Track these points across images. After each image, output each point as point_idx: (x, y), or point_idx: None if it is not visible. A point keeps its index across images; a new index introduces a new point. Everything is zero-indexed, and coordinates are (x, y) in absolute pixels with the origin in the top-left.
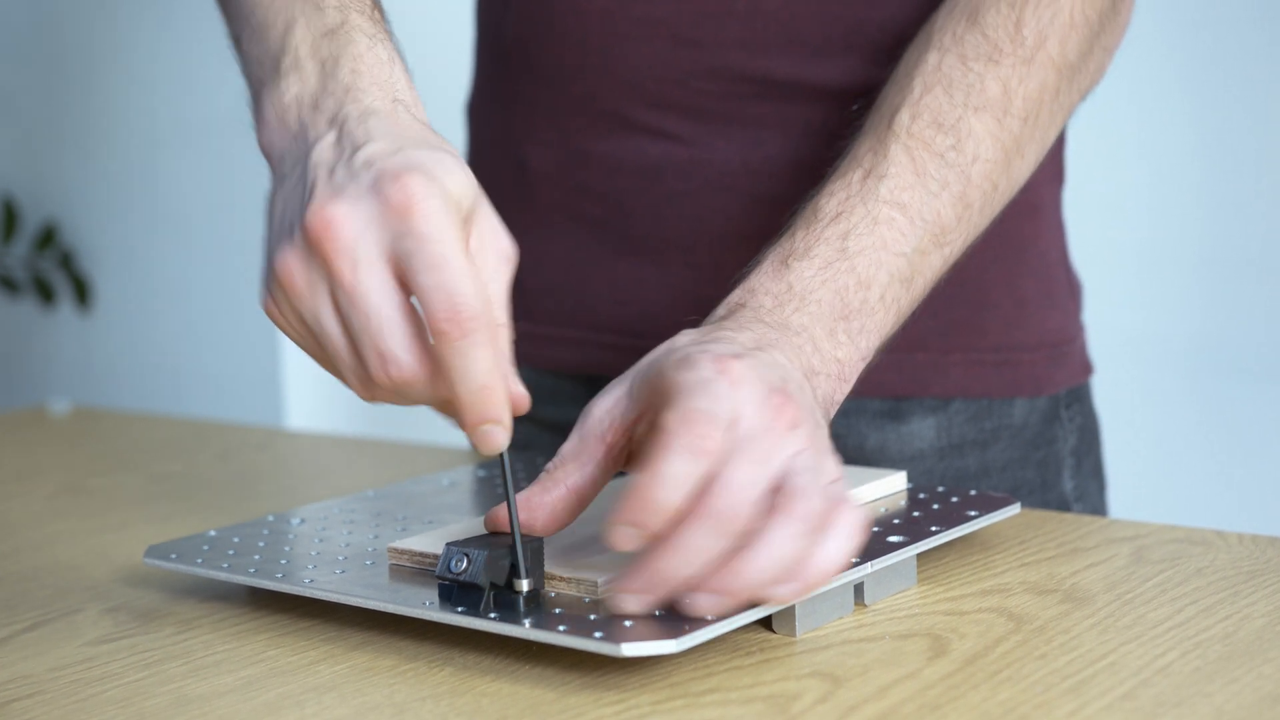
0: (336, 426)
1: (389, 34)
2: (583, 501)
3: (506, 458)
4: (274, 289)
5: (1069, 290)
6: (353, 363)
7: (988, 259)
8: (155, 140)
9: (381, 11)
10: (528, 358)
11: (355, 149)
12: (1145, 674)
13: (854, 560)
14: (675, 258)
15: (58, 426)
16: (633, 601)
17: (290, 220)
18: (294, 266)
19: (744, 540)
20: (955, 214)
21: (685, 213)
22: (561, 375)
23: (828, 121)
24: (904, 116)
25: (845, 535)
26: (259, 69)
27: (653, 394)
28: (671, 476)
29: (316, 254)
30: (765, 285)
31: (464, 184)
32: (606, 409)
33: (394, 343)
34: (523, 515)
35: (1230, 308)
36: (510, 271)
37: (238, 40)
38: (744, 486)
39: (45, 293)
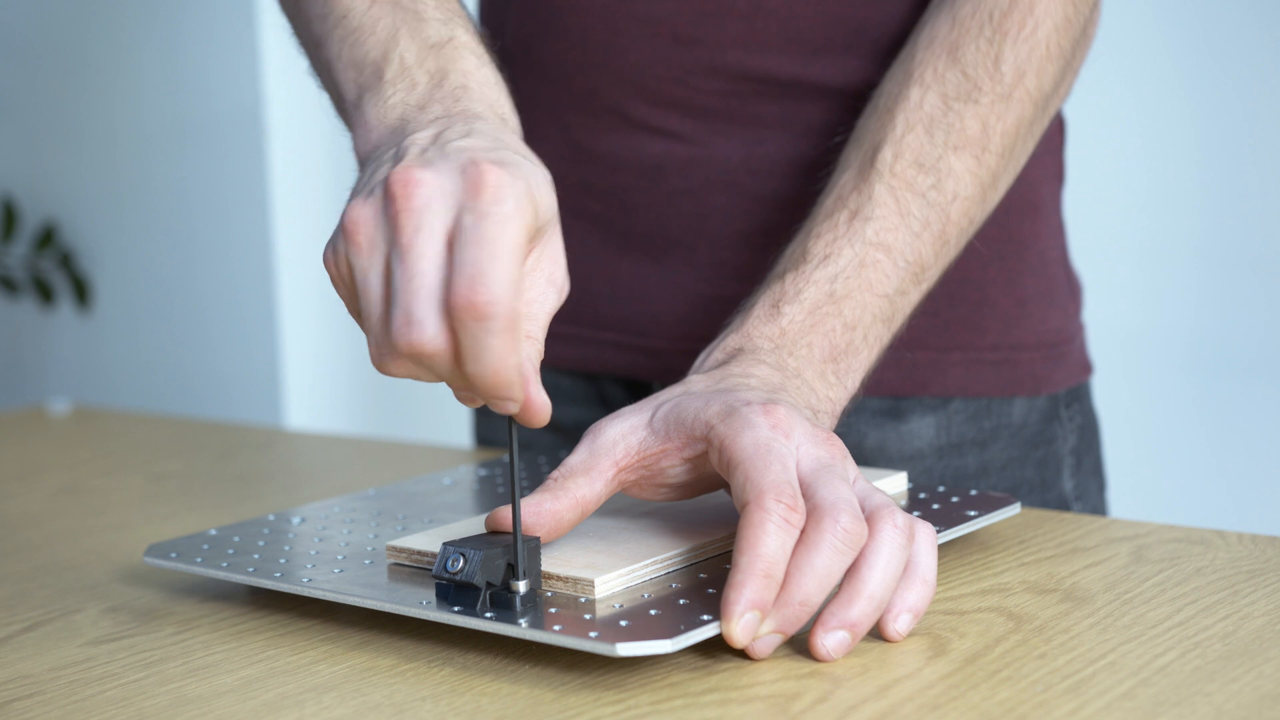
0: (336, 426)
1: (493, 60)
2: (584, 515)
3: (515, 459)
4: (338, 237)
5: (1068, 289)
6: (380, 324)
7: (987, 258)
8: (155, 140)
9: (480, 33)
10: None
11: (452, 139)
12: (1145, 673)
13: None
14: (676, 256)
15: (58, 426)
16: (765, 644)
17: (373, 181)
18: (363, 217)
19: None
20: (934, 251)
21: (686, 211)
22: (561, 372)
23: (828, 120)
24: (887, 155)
25: (930, 537)
26: (357, 74)
27: (689, 438)
28: (773, 551)
29: (389, 209)
30: (759, 329)
31: (547, 199)
32: (622, 433)
33: (425, 307)
34: (528, 519)
35: (1230, 307)
36: (557, 302)
37: (320, 41)
38: (849, 501)
39: (45, 293)
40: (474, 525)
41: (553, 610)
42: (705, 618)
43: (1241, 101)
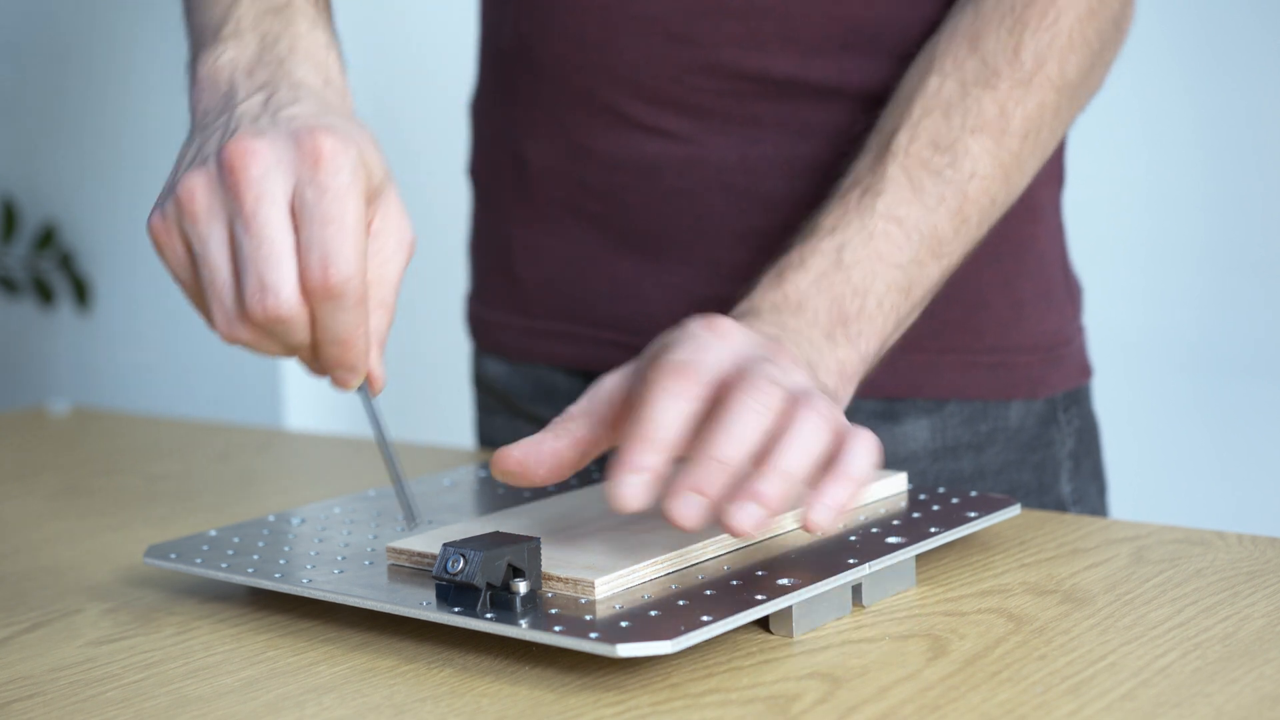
0: (336, 426)
1: (330, 23)
2: (584, 457)
3: (367, 402)
4: (168, 208)
5: (1067, 292)
6: (228, 294)
7: (984, 260)
8: (155, 141)
9: (327, 1)
10: (526, 353)
11: (281, 107)
12: (1145, 674)
13: (851, 562)
14: (673, 255)
15: (57, 427)
16: (687, 505)
17: (205, 153)
18: (198, 187)
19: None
20: (952, 227)
21: (683, 210)
22: (558, 370)
23: (825, 120)
24: (902, 138)
25: (867, 441)
26: (199, 35)
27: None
28: (658, 417)
29: (226, 179)
30: (763, 296)
31: (377, 160)
32: (616, 382)
33: (278, 275)
34: (529, 458)
35: (1231, 308)
36: (407, 257)
37: (187, 13)
38: (770, 377)
39: (45, 293)
40: (474, 526)
41: (553, 611)
42: (705, 618)
43: (1243, 103)
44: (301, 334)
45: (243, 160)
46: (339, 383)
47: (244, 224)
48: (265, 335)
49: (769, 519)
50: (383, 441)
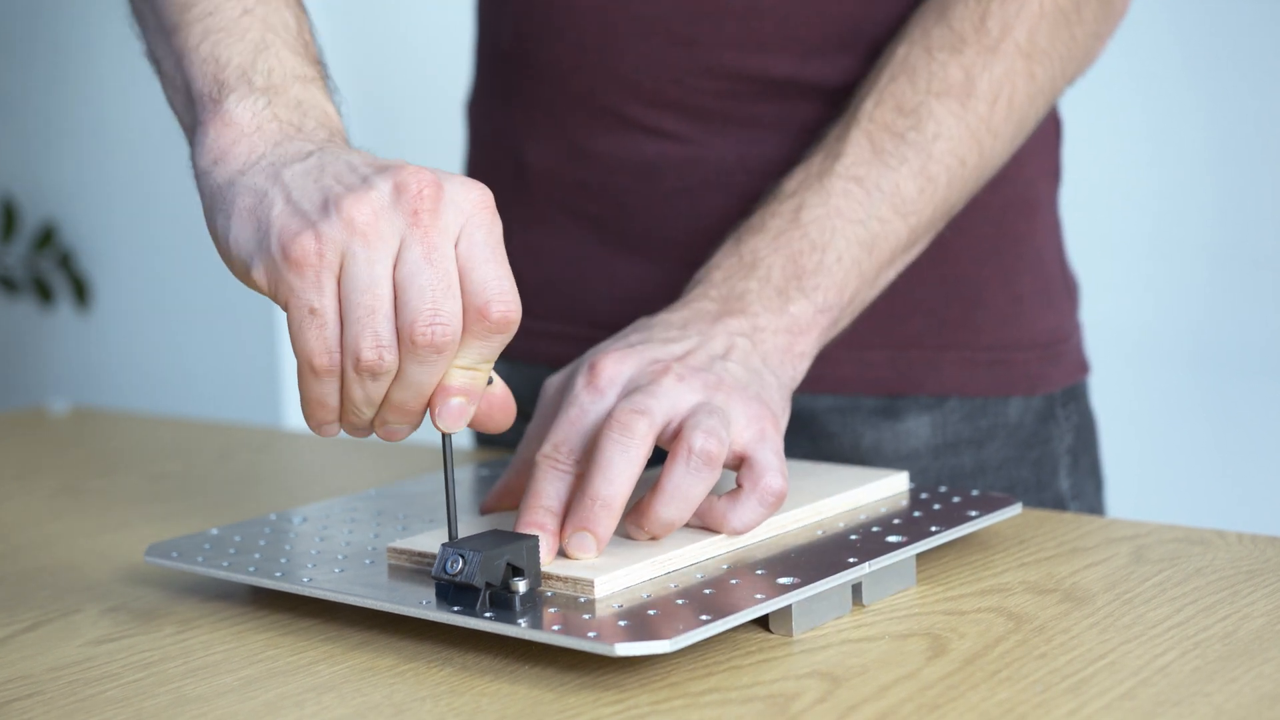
0: None
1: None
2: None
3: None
4: (329, 228)
5: (1065, 289)
6: (387, 320)
7: (983, 257)
8: (155, 140)
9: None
10: (525, 353)
11: (400, 165)
12: (1145, 673)
13: (851, 561)
14: (673, 256)
15: (57, 426)
16: (576, 542)
17: (361, 173)
18: (374, 208)
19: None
20: (916, 186)
21: (683, 211)
22: (557, 370)
23: (824, 120)
24: (868, 105)
25: (764, 476)
26: (217, 69)
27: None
28: (541, 494)
29: (413, 205)
30: (720, 260)
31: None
32: (531, 430)
33: (454, 306)
34: (501, 502)
35: (1232, 305)
36: None
37: (174, 28)
38: (616, 413)
39: (44, 293)
40: (475, 526)
41: (552, 610)
42: (704, 617)
43: (1247, 99)
44: (381, 389)
45: (432, 190)
46: (392, 433)
47: (426, 252)
48: (351, 385)
49: (674, 530)
50: (449, 476)
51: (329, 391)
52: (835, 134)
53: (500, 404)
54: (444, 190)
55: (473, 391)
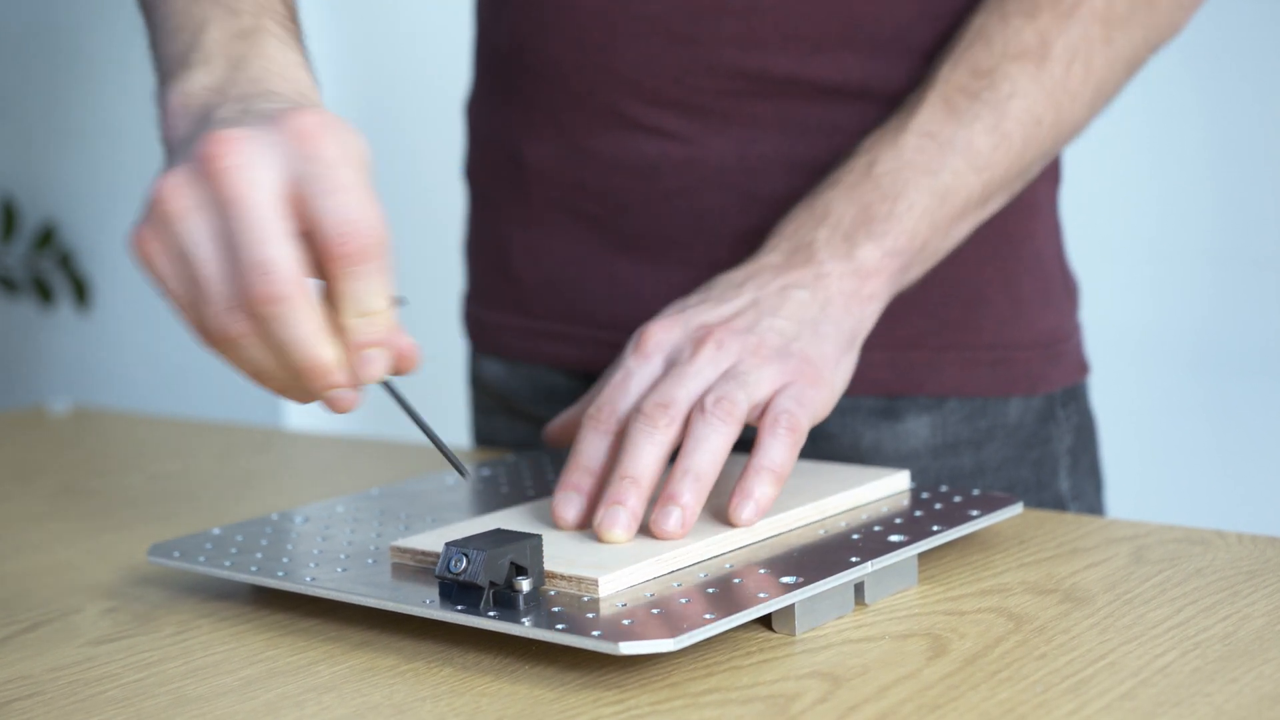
0: (336, 427)
1: (301, 45)
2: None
3: (394, 387)
4: (151, 217)
5: (1065, 289)
6: (220, 283)
7: (983, 257)
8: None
9: (297, 23)
10: (524, 354)
11: (258, 106)
12: (1145, 674)
13: (854, 560)
14: (673, 255)
15: (57, 426)
16: (609, 518)
17: (182, 156)
18: (178, 186)
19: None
20: (991, 142)
21: (682, 210)
22: (557, 371)
23: (825, 118)
24: (944, 69)
25: (783, 437)
26: (166, 65)
27: None
28: (582, 453)
29: (206, 169)
30: (795, 213)
31: (365, 147)
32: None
33: (276, 251)
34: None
35: (1233, 306)
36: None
37: (153, 45)
38: (654, 395)
39: (44, 293)
40: (477, 525)
41: (556, 609)
42: (708, 616)
43: (1249, 99)
44: (305, 320)
45: (220, 148)
46: (368, 372)
47: (231, 210)
48: (262, 329)
49: (692, 518)
50: (415, 414)
51: (238, 360)
52: (911, 98)
53: (405, 353)
54: (238, 143)
55: (382, 339)
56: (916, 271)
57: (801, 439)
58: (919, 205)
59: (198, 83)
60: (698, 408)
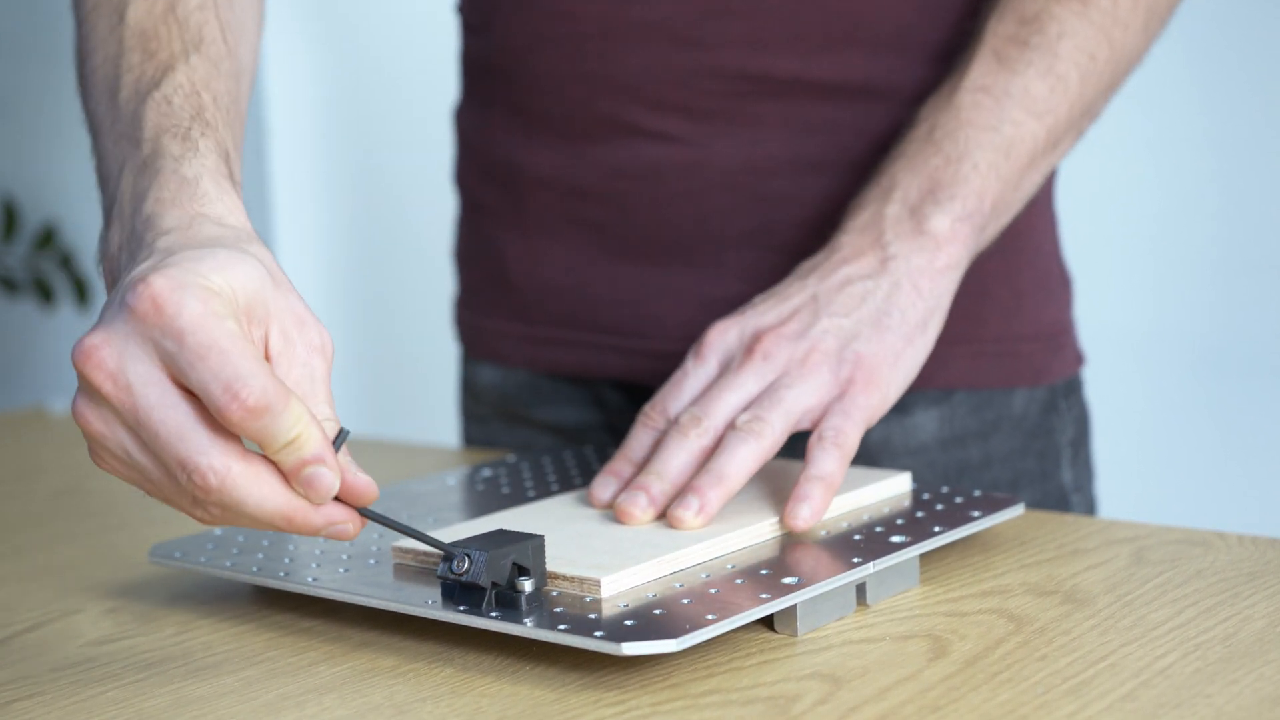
0: None
1: (208, 138)
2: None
3: (373, 512)
4: (81, 388)
5: (1061, 282)
6: (173, 486)
7: (987, 251)
8: None
9: (209, 112)
10: (523, 360)
11: (127, 278)
12: (1145, 675)
13: (856, 561)
14: (677, 258)
15: (58, 426)
16: (628, 500)
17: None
18: (85, 413)
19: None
20: (1047, 85)
21: (686, 213)
22: (560, 378)
23: (829, 118)
24: (990, 22)
25: (831, 450)
26: (103, 216)
27: None
28: (628, 446)
29: (92, 389)
30: (866, 192)
31: (238, 278)
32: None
33: (191, 447)
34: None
35: (1234, 306)
36: (326, 364)
37: (100, 175)
38: (694, 409)
39: (45, 293)
40: (478, 525)
41: (558, 610)
42: (710, 617)
43: (1250, 98)
44: (249, 491)
45: (89, 363)
46: (315, 490)
47: (133, 421)
48: (232, 507)
49: (710, 512)
50: (408, 528)
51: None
52: (962, 57)
53: (359, 489)
54: (99, 351)
55: (311, 456)
56: (994, 229)
57: (851, 451)
58: (984, 162)
59: (113, 242)
60: (731, 424)
